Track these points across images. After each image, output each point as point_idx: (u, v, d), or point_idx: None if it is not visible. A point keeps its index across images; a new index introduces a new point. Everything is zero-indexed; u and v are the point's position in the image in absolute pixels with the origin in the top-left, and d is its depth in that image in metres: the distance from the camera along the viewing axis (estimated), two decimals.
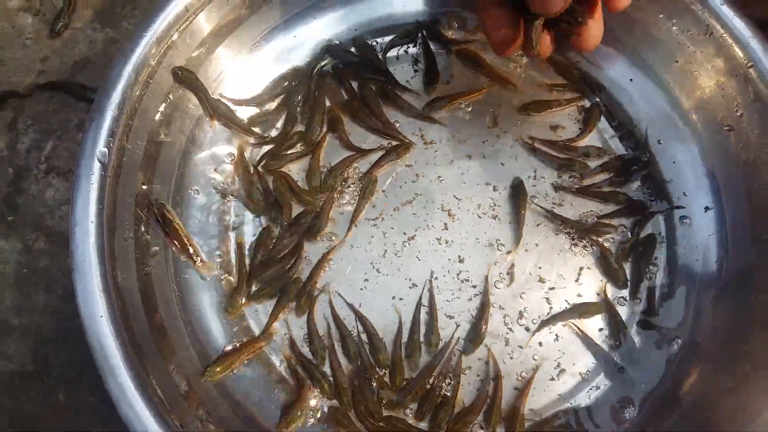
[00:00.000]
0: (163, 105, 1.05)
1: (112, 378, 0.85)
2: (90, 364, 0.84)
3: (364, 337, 1.07)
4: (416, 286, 1.09)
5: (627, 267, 1.11)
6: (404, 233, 1.12)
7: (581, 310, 1.08)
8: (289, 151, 1.16)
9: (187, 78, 1.07)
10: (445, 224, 1.13)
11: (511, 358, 1.06)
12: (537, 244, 1.12)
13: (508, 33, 0.94)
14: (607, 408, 1.04)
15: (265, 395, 1.04)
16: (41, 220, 1.14)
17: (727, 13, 1.05)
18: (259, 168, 1.13)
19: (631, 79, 1.21)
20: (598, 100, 1.21)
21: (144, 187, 1.03)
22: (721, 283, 1.07)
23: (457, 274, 1.10)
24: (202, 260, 1.07)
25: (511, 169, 1.16)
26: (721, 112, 1.10)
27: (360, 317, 1.07)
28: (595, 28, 0.94)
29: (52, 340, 1.09)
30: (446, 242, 1.12)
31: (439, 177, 1.15)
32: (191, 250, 1.06)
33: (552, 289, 1.10)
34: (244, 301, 1.07)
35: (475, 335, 1.06)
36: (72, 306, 0.86)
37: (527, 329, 1.07)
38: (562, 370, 1.06)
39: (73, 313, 0.86)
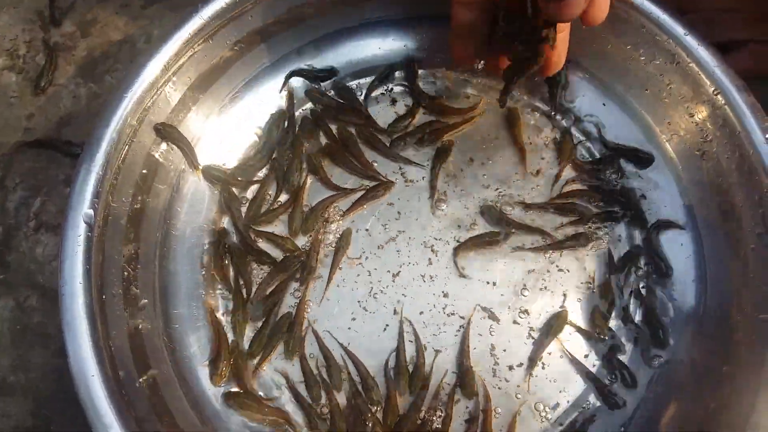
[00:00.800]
0: (145, 161, 1.08)
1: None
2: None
3: (356, 377, 1.09)
4: (404, 322, 1.12)
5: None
6: (389, 271, 1.15)
7: (548, 329, 1.10)
8: (274, 206, 1.19)
9: (169, 133, 1.10)
10: (429, 260, 1.15)
11: (498, 388, 1.08)
12: (515, 276, 1.14)
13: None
14: None
15: None
16: (32, 277, 1.16)
17: (692, 42, 1.08)
18: (249, 227, 1.16)
19: (603, 104, 1.24)
20: (568, 127, 1.24)
21: (131, 244, 1.05)
22: (699, 318, 1.09)
23: (443, 308, 1.12)
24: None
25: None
26: (693, 139, 1.13)
27: (350, 356, 1.09)
28: (560, 51, 0.97)
29: (51, 398, 1.11)
30: (430, 278, 1.14)
31: (420, 214, 1.18)
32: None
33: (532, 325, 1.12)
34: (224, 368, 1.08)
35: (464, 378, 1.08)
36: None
37: (511, 367, 1.10)
38: (550, 400, 1.08)
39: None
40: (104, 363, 0.90)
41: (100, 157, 0.99)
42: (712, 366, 1.03)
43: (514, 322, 1.12)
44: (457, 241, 1.16)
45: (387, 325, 1.12)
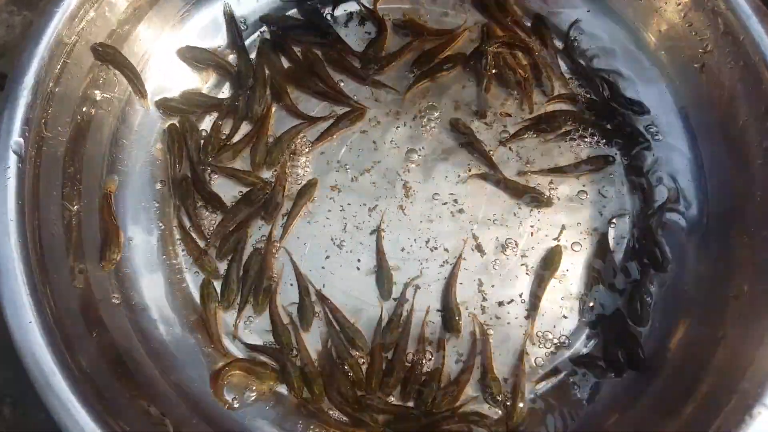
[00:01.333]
0: (85, 87, 0.96)
1: (49, 390, 0.77)
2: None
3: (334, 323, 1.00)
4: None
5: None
6: (364, 204, 1.04)
7: (545, 265, 1.02)
8: (234, 139, 1.07)
9: (109, 55, 0.97)
10: (407, 190, 1.05)
11: (488, 326, 1.00)
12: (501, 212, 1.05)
13: None
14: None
15: None
16: None
17: None
18: (211, 164, 1.05)
19: (588, 10, 1.13)
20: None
21: (72, 180, 0.94)
22: (702, 229, 1.01)
23: (425, 242, 1.03)
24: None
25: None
26: (689, 49, 1.03)
27: (324, 301, 1.00)
28: None
29: None
30: (411, 210, 1.04)
31: (395, 142, 1.07)
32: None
33: (524, 255, 1.03)
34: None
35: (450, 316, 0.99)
36: None
37: (501, 303, 1.01)
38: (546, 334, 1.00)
39: None
40: (43, 309, 0.80)
41: (29, 80, 0.87)
42: (718, 286, 0.95)
43: (504, 254, 1.02)
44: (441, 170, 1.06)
45: (359, 262, 1.02)
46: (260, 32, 1.13)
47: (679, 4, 1.02)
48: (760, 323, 0.85)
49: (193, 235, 1.02)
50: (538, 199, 1.03)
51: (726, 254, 0.96)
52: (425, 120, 1.09)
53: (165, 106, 1.05)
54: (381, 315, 0.99)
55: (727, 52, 0.98)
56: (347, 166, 1.06)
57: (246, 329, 1.00)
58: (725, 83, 0.99)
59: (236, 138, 1.07)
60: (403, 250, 1.03)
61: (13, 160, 0.84)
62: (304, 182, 1.05)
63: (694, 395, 0.86)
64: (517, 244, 1.03)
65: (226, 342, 0.99)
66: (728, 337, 0.89)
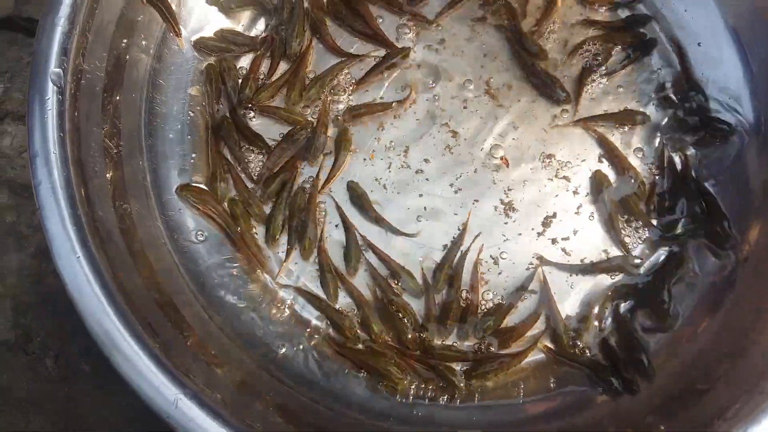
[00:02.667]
0: (120, 22, 0.91)
1: (100, 327, 0.74)
2: (80, 330, 0.72)
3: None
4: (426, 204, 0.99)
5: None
6: (406, 146, 1.01)
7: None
8: (274, 77, 1.02)
9: None
10: (454, 132, 1.01)
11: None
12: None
13: None
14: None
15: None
16: (1, 172, 1.01)
17: None
18: (251, 105, 1.01)
19: None
20: None
21: (111, 117, 0.90)
22: (761, 135, 0.96)
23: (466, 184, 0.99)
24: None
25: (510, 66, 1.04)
26: None
27: (374, 249, 0.96)
28: None
29: (31, 305, 0.97)
30: (457, 151, 1.00)
31: (444, 84, 1.03)
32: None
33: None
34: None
35: None
36: (49, 264, 0.74)
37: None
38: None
39: (51, 272, 0.74)
40: (89, 243, 0.76)
41: (64, 9, 0.83)
42: None
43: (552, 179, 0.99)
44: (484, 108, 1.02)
45: (408, 209, 0.98)
46: None
47: None
48: None
49: (242, 176, 0.98)
50: None
51: None
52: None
53: (203, 45, 1.01)
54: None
55: None
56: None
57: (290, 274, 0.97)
58: None
59: (275, 76, 1.03)
60: (452, 186, 0.99)
61: (52, 90, 0.80)
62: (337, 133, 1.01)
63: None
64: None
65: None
66: None
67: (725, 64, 1.01)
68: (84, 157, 0.83)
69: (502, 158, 1.00)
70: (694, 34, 1.03)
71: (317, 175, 0.99)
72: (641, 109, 1.02)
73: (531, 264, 0.96)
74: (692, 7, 1.04)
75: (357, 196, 0.98)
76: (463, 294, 0.95)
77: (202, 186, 0.98)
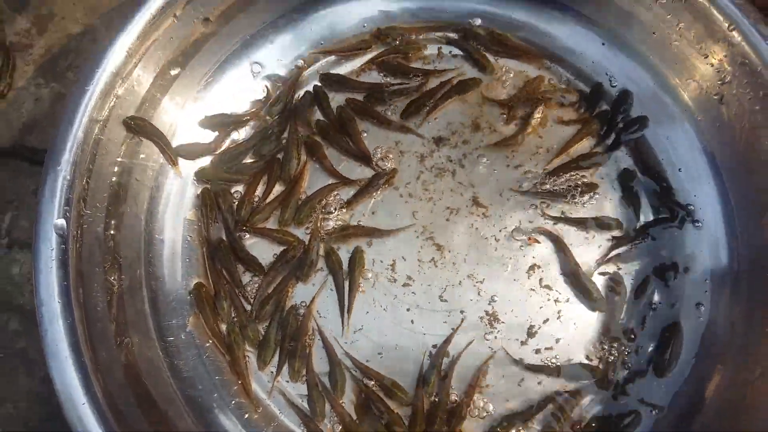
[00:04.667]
0: (119, 161, 0.98)
1: None
2: None
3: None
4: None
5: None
6: (393, 260, 1.05)
7: None
8: (268, 199, 1.08)
9: (140, 127, 1.00)
10: (440, 247, 1.06)
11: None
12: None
13: None
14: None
15: None
16: (11, 299, 1.06)
17: None
18: (244, 227, 1.06)
19: (603, 43, 1.14)
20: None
21: (112, 254, 0.96)
22: (733, 274, 1.01)
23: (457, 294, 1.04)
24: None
25: (493, 179, 1.10)
26: (709, 82, 1.04)
27: (356, 363, 1.01)
28: None
29: (42, 428, 1.02)
30: (442, 265, 1.05)
31: (427, 193, 1.09)
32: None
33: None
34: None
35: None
36: None
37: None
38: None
39: None
40: (94, 389, 0.81)
41: (66, 160, 0.89)
42: (752, 328, 0.95)
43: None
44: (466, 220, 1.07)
45: (393, 316, 1.03)
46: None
47: (694, 38, 1.03)
48: None
49: (240, 298, 1.03)
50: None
51: (760, 297, 0.95)
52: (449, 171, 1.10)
53: (203, 176, 1.08)
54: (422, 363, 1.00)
55: (745, 84, 0.98)
56: (379, 222, 1.07)
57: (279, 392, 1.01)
58: (745, 113, 0.99)
59: (269, 198, 1.09)
60: (440, 297, 1.04)
61: (55, 241, 0.86)
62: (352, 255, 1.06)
63: None
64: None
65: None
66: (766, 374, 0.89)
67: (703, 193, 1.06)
68: (87, 299, 0.88)
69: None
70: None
71: (314, 297, 1.03)
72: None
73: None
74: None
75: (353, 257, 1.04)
76: (452, 397, 0.99)
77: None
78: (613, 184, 1.08)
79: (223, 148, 1.11)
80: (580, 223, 1.06)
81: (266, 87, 1.14)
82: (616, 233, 1.06)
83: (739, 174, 1.02)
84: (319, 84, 1.14)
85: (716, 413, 0.92)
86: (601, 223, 1.06)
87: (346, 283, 1.03)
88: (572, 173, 1.09)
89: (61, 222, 0.87)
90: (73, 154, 0.90)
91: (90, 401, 0.80)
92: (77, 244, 0.89)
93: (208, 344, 1.01)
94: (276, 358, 1.01)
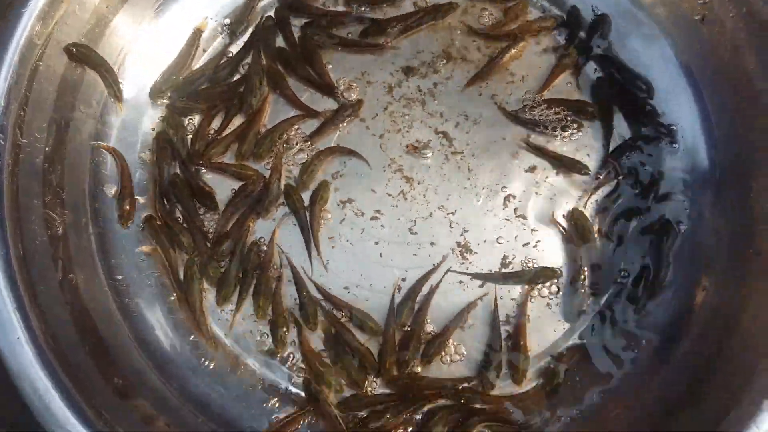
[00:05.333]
0: (60, 88, 0.91)
1: (44, 409, 0.73)
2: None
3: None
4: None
5: None
6: (365, 189, 1.00)
7: None
8: (225, 132, 1.02)
9: (83, 55, 0.93)
10: (409, 179, 1.00)
11: None
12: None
13: None
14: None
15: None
16: None
17: None
18: (199, 161, 1.00)
19: None
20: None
21: (53, 187, 0.89)
22: (716, 182, 0.96)
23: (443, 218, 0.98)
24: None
25: (464, 109, 1.03)
26: (687, 2, 0.99)
27: (324, 294, 0.96)
28: None
29: None
30: (411, 197, 0.99)
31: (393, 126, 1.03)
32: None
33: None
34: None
35: None
36: None
37: None
38: None
39: None
40: (29, 323, 0.76)
41: (0, 86, 0.83)
42: (737, 241, 0.90)
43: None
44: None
45: (361, 250, 0.98)
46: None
47: None
48: None
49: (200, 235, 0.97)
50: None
51: (744, 209, 0.91)
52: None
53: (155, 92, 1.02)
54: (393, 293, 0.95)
55: (727, 2, 0.93)
56: (347, 159, 1.01)
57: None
58: (727, 32, 0.94)
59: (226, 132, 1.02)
60: (410, 231, 0.98)
61: None
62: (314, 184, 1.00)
63: (721, 357, 0.83)
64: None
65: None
66: (752, 296, 0.85)
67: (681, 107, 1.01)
68: (25, 232, 0.82)
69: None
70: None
71: (273, 232, 0.98)
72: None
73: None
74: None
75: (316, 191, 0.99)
76: (428, 328, 0.95)
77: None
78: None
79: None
80: (556, 159, 1.00)
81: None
82: (585, 178, 1.00)
83: (720, 90, 0.97)
84: (282, 8, 1.07)
85: (703, 335, 0.89)
86: (571, 164, 1.00)
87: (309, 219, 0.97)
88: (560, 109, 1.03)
89: None
90: (6, 80, 0.83)
91: (27, 337, 0.74)
92: (13, 173, 0.82)
93: (161, 282, 0.96)
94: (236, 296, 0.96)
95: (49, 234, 0.86)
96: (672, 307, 0.93)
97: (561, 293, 0.96)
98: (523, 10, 1.06)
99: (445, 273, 0.96)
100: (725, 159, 0.96)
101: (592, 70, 1.04)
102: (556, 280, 0.96)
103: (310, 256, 0.97)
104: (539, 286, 0.96)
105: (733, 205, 0.93)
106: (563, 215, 0.98)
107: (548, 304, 0.96)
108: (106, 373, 0.83)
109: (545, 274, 0.95)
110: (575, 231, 0.97)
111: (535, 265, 0.96)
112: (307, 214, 0.97)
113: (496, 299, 0.95)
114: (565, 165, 1.00)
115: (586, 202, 0.98)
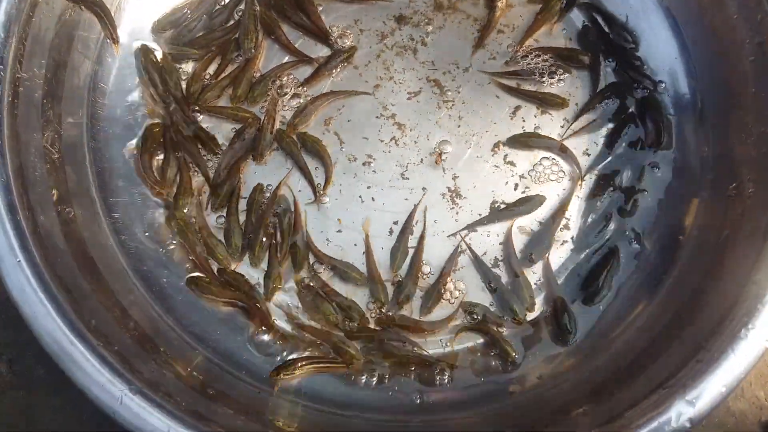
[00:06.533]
0: (58, 27, 0.92)
1: (44, 329, 0.74)
2: (33, 340, 0.74)
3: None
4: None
5: None
6: (358, 136, 1.02)
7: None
8: (222, 75, 1.03)
9: None
10: (401, 126, 1.02)
11: None
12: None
13: None
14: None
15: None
16: None
17: None
18: (197, 105, 1.01)
19: None
20: None
21: (52, 123, 0.90)
22: (697, 110, 0.99)
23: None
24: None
25: (457, 51, 1.06)
26: None
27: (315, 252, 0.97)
28: None
29: None
30: (403, 143, 1.02)
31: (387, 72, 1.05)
32: None
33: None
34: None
35: None
36: None
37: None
38: None
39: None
40: (28, 247, 0.77)
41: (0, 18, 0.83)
42: (720, 177, 0.94)
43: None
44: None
45: (360, 196, 1.00)
46: None
47: None
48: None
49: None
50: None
51: (726, 149, 0.94)
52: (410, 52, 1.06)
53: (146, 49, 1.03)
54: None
55: None
56: (340, 106, 1.03)
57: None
58: None
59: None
60: (402, 176, 1.00)
61: None
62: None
63: (709, 286, 0.86)
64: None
65: None
66: (732, 236, 0.88)
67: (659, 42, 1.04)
68: (24, 163, 0.83)
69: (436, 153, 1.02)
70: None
71: (278, 186, 0.99)
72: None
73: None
74: None
75: (309, 145, 1.00)
76: (426, 269, 0.97)
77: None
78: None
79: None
80: (533, 97, 1.03)
81: None
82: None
83: (701, 32, 1.00)
84: None
85: (696, 247, 0.93)
86: (547, 100, 1.02)
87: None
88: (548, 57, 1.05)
89: None
90: (5, 12, 0.84)
91: (26, 260, 0.76)
92: (13, 105, 0.83)
93: (159, 222, 0.97)
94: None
95: (47, 167, 0.87)
96: (662, 225, 0.97)
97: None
98: None
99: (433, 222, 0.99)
100: (705, 88, 0.99)
101: (580, 20, 1.07)
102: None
103: (315, 193, 0.99)
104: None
105: (717, 143, 0.96)
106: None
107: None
108: (105, 301, 0.85)
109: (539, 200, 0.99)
110: None
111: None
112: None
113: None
114: (544, 101, 1.02)
115: (565, 132, 1.01)
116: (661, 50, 1.03)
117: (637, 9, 1.05)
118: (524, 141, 1.01)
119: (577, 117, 1.02)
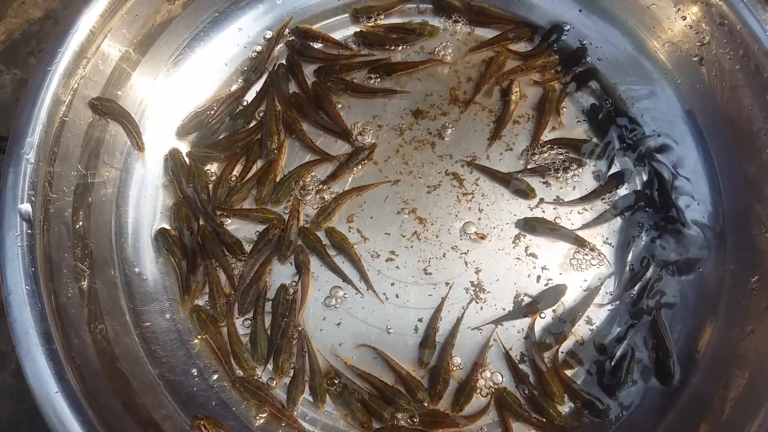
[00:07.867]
0: (85, 143, 0.94)
1: None
2: None
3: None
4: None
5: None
6: (382, 252, 1.03)
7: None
8: (247, 177, 1.05)
9: (108, 108, 0.96)
10: (422, 220, 1.03)
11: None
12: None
13: None
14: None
15: None
16: None
17: None
18: (223, 208, 1.03)
19: (580, 10, 1.12)
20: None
21: (82, 239, 0.92)
22: (719, 232, 1.00)
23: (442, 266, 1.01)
24: None
25: (474, 143, 1.08)
26: (688, 45, 1.03)
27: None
28: None
29: (14, 425, 0.98)
30: (425, 238, 1.03)
31: (405, 168, 1.07)
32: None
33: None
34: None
35: None
36: None
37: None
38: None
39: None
40: (64, 376, 0.78)
41: (29, 143, 0.85)
42: (739, 280, 0.94)
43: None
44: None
45: (383, 294, 1.01)
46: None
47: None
48: None
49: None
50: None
51: (745, 248, 0.95)
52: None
53: (175, 153, 1.06)
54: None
55: (725, 44, 0.97)
56: (362, 203, 1.05)
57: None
58: (726, 73, 0.98)
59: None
60: (425, 271, 1.01)
61: (21, 226, 0.82)
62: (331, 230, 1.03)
63: (729, 391, 0.86)
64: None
65: None
66: (756, 330, 0.89)
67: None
68: (57, 286, 0.84)
69: (475, 233, 1.03)
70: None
71: (301, 301, 1.00)
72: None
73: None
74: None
75: (336, 242, 1.01)
76: (456, 360, 0.97)
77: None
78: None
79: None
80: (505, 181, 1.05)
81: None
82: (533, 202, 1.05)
83: (722, 134, 1.01)
84: (293, 55, 1.11)
85: (708, 367, 0.93)
86: (517, 190, 1.05)
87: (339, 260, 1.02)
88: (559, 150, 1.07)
89: (26, 207, 0.83)
90: (36, 136, 0.86)
91: (63, 390, 0.77)
92: (45, 229, 0.85)
93: (187, 327, 0.98)
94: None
95: (79, 286, 0.88)
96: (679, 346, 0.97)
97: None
98: (504, 59, 1.11)
99: (461, 321, 0.99)
100: (729, 203, 1.00)
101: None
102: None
103: (368, 284, 1.01)
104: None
105: (737, 246, 0.97)
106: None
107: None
108: (136, 415, 0.86)
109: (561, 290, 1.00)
110: None
111: None
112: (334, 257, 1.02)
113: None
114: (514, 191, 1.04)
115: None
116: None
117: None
118: (535, 226, 1.02)
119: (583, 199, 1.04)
